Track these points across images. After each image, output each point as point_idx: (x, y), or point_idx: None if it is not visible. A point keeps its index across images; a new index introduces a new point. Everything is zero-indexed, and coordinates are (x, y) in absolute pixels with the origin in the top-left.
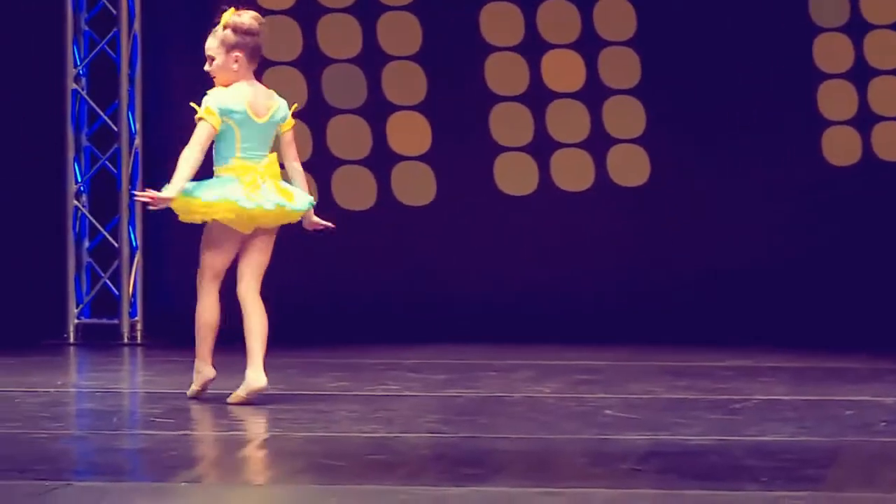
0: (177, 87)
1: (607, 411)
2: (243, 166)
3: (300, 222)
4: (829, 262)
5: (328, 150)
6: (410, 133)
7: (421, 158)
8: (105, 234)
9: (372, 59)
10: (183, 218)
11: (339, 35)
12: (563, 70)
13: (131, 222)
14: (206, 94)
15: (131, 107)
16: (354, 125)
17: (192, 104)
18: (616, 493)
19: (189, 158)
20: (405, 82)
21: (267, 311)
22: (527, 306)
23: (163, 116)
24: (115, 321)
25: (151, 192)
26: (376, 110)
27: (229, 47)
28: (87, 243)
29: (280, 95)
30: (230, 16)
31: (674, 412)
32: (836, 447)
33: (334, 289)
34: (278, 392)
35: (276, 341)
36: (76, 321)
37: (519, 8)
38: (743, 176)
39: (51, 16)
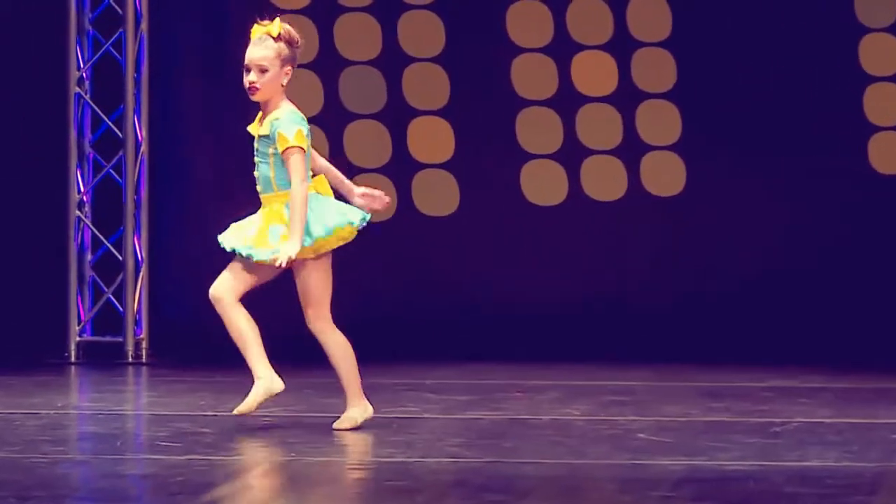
0: (186, 92)
1: (639, 435)
2: (323, 186)
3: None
4: (876, 276)
5: (346, 157)
6: (432, 139)
7: (443, 166)
8: (109, 246)
9: (392, 61)
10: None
11: (358, 35)
12: (595, 72)
13: (136, 234)
14: (256, 110)
15: (137, 112)
16: (373, 131)
17: (282, 133)
18: None
19: (306, 198)
20: (427, 85)
21: (277, 328)
22: (554, 323)
23: (171, 122)
24: (119, 339)
25: (287, 257)
26: (396, 115)
27: (284, 61)
28: (89, 256)
29: (296, 99)
30: (280, 27)
31: (710, 436)
32: (883, 473)
33: (350, 304)
34: (291, 414)
35: (291, 360)
36: (78, 339)
37: (547, 7)
38: (784, 185)
39: (53, 15)
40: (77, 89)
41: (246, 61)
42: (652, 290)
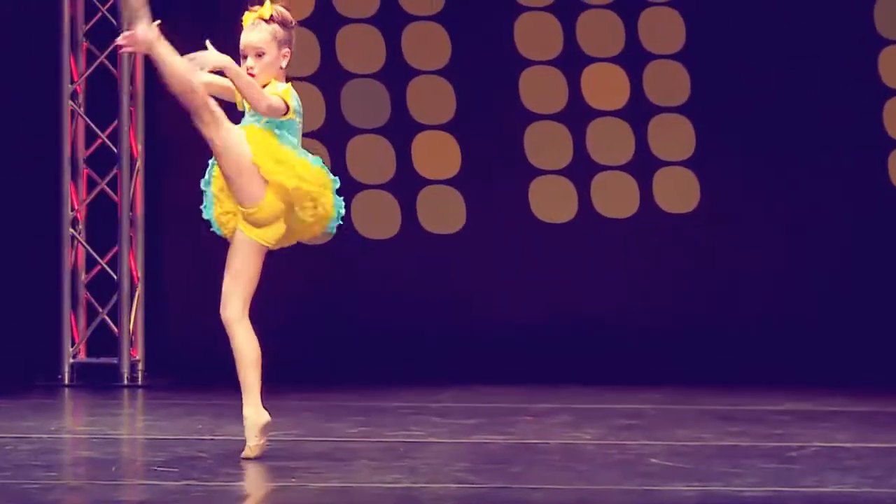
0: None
1: (652, 460)
2: None
3: None
4: (894, 296)
5: (348, 172)
6: (438, 155)
7: (449, 182)
8: (103, 265)
9: (396, 74)
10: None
11: (361, 47)
12: (606, 86)
13: (132, 252)
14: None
15: (133, 126)
16: (377, 146)
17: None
18: None
19: (256, 96)
20: (432, 99)
21: (280, 349)
22: (563, 344)
23: (167, 137)
24: (114, 360)
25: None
26: (401, 130)
27: (281, 43)
28: (83, 275)
29: None
30: (272, 8)
31: (725, 460)
32: None
33: (354, 324)
34: (291, 438)
35: (290, 381)
36: (71, 360)
37: (557, 18)
38: (801, 201)
39: (45, 27)
40: (70, 103)
41: (241, 48)
42: (664, 310)
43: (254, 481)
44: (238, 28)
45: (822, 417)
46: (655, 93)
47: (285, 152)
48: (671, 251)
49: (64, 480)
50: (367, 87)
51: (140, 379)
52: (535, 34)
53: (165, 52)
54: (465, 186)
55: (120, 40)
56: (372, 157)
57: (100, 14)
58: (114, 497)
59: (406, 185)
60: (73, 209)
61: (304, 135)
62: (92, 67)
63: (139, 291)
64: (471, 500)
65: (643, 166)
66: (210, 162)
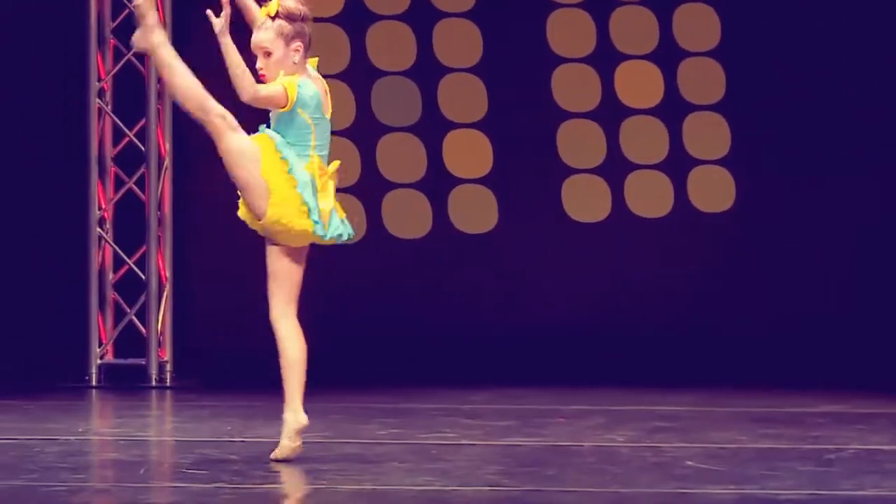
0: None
1: (687, 462)
2: (320, 166)
3: None
4: None
5: (378, 171)
6: (469, 153)
7: (481, 181)
8: (131, 265)
9: (427, 71)
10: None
11: (391, 44)
12: (639, 83)
13: (160, 252)
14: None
15: (161, 124)
16: (407, 144)
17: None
18: None
19: (245, 86)
20: (464, 97)
21: (311, 350)
22: (597, 345)
23: (195, 135)
24: (142, 361)
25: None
26: (432, 128)
27: (288, 38)
28: (111, 275)
29: None
30: (277, 4)
31: (761, 463)
32: None
33: (384, 325)
34: (322, 440)
35: (320, 383)
36: (99, 361)
37: (590, 14)
38: (838, 200)
39: (73, 24)
40: (98, 101)
41: (252, 49)
42: (699, 310)
43: (285, 484)
44: None
45: (859, 419)
46: (690, 90)
47: (276, 177)
48: (706, 250)
49: (91, 482)
50: (398, 85)
51: (168, 380)
52: (568, 31)
53: (168, 57)
54: (496, 185)
55: (133, 41)
56: (403, 155)
57: (127, 11)
58: (142, 499)
59: (437, 183)
60: (100, 208)
61: (335, 133)
62: (119, 65)
63: (167, 291)
64: (503, 503)
65: (677, 165)
66: None
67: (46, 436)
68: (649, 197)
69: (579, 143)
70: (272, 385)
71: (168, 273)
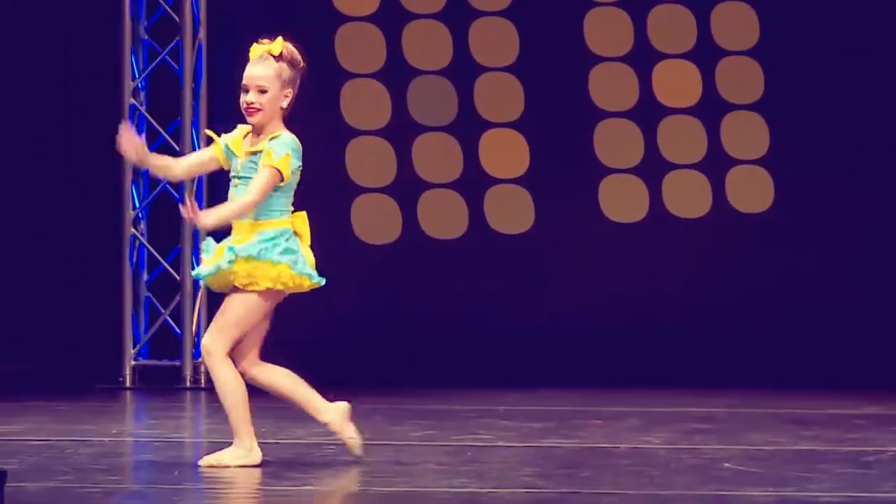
0: None
1: (725, 464)
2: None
3: None
4: None
5: (414, 172)
6: (506, 153)
7: (517, 181)
8: (166, 265)
9: (463, 71)
10: (238, 281)
11: (427, 43)
12: (677, 82)
13: (195, 252)
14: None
15: (195, 124)
16: (443, 144)
17: (270, 150)
18: None
19: (247, 207)
20: (500, 96)
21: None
22: (634, 345)
23: None
24: (177, 363)
25: (195, 208)
26: (468, 127)
27: (284, 83)
28: (145, 276)
29: (362, 110)
30: (283, 45)
31: (799, 465)
32: None
33: (420, 326)
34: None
35: (356, 384)
36: (133, 363)
37: (627, 13)
38: (877, 200)
39: (107, 24)
40: (132, 101)
41: (244, 81)
42: (736, 310)
43: (319, 486)
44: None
45: None
46: (728, 90)
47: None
48: (744, 250)
49: (125, 484)
50: (434, 84)
51: (203, 381)
52: (606, 30)
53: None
54: (533, 185)
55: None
56: (438, 155)
57: (162, 11)
58: (176, 501)
59: (473, 183)
60: (134, 208)
61: (372, 133)
62: (154, 64)
63: (202, 292)
64: None
65: (716, 165)
66: None
67: (80, 437)
68: (687, 197)
69: (616, 143)
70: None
71: None
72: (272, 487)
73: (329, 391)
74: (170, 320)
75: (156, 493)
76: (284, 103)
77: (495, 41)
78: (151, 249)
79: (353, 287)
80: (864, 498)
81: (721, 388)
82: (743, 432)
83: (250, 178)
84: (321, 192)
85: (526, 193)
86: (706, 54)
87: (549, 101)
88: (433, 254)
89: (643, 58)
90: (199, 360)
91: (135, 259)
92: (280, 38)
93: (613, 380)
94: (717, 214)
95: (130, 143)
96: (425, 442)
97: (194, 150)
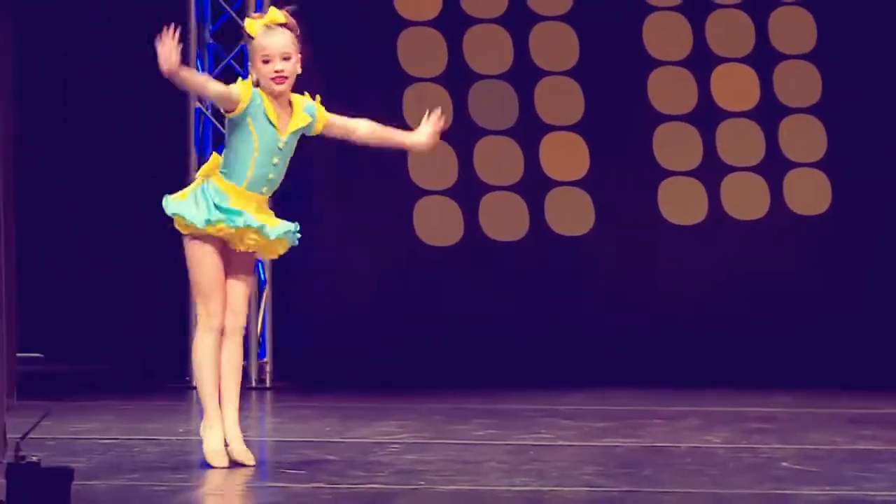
0: None
1: (783, 464)
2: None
3: None
4: None
5: (476, 174)
6: (566, 156)
7: (578, 184)
8: None
9: (524, 75)
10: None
11: (488, 48)
12: (735, 86)
13: None
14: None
15: None
16: (504, 147)
17: (318, 106)
18: None
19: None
20: (561, 100)
21: (409, 352)
22: (694, 346)
23: None
24: (243, 363)
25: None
26: (528, 131)
27: (297, 48)
28: None
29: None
30: (285, 16)
31: (857, 465)
32: None
33: (481, 327)
34: (421, 441)
35: (419, 384)
36: None
37: (686, 18)
38: None
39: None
40: (197, 105)
41: (265, 52)
42: (796, 311)
43: (384, 485)
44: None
45: None
46: (786, 93)
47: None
48: (802, 253)
49: (192, 483)
50: (495, 88)
51: (268, 381)
52: (665, 34)
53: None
54: (593, 188)
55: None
56: (499, 158)
57: (227, 15)
58: (242, 500)
59: (534, 186)
60: None
61: None
62: (219, 68)
63: (267, 292)
64: (600, 503)
65: (773, 167)
66: None
67: (147, 436)
68: (745, 199)
69: (675, 146)
70: (371, 385)
71: (268, 274)
72: (337, 486)
73: (393, 392)
74: None
75: (222, 492)
76: (299, 68)
77: (556, 45)
78: None
79: (415, 291)
80: None
81: (781, 388)
82: (801, 432)
83: (291, 150)
84: (384, 195)
85: (586, 196)
86: (764, 58)
87: (609, 104)
88: (494, 255)
89: (702, 62)
90: (265, 359)
91: None
92: (273, 8)
93: (674, 380)
94: (774, 217)
95: (171, 50)
96: (487, 441)
97: None
